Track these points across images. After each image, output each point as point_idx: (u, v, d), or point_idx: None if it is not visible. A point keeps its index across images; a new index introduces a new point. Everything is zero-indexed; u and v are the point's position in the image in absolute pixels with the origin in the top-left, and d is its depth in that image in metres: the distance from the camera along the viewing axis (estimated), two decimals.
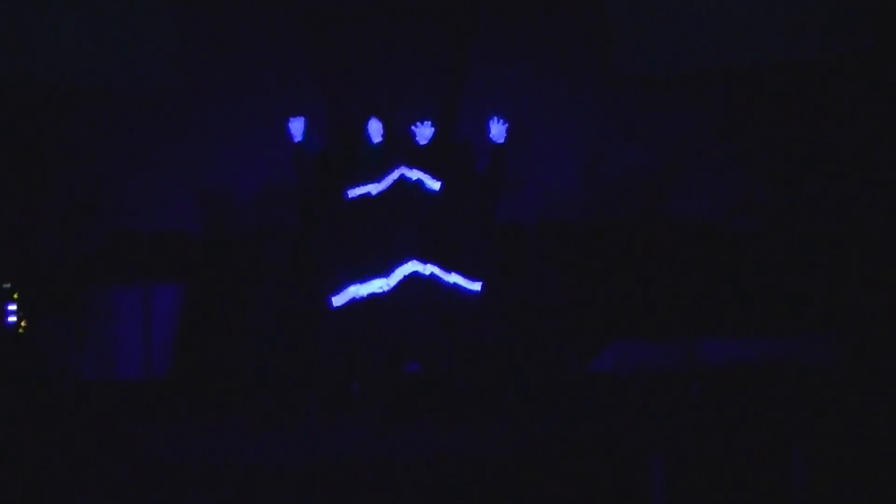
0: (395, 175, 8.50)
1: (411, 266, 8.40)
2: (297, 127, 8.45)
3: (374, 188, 8.48)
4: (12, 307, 9.29)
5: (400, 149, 8.62)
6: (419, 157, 8.59)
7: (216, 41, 10.29)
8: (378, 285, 8.35)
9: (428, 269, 8.42)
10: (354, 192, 8.46)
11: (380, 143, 8.57)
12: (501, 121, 8.55)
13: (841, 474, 6.71)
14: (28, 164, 9.92)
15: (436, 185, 8.53)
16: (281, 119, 8.59)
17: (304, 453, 7.45)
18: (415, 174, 8.53)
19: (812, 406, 8.16)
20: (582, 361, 9.36)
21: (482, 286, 8.44)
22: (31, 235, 9.76)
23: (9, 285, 9.30)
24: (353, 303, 8.32)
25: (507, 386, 8.71)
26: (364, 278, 8.34)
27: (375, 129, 8.57)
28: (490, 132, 8.55)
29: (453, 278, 8.43)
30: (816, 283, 9.60)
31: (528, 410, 8.51)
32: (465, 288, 8.43)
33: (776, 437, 7.18)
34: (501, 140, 8.53)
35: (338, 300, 8.33)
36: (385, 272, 8.37)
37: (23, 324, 9.31)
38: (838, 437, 7.20)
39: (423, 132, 8.66)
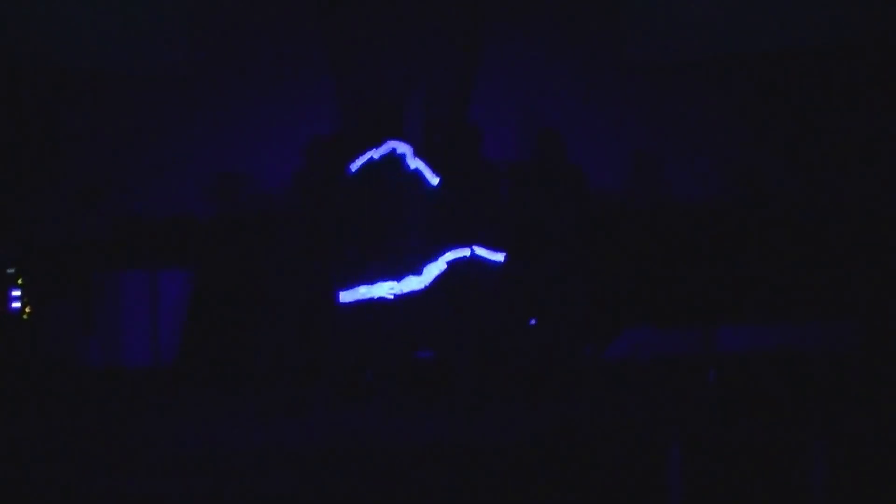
0: (390, 144, 8.52)
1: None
2: None
3: (374, 153, 8.51)
4: (16, 292, 9.26)
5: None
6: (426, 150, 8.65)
7: (226, 25, 10.35)
8: (388, 288, 8.33)
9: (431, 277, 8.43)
10: (357, 164, 8.49)
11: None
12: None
13: (860, 463, 6.62)
14: (35, 149, 9.92)
15: (434, 179, 8.55)
16: (290, 105, 8.63)
17: (316, 441, 7.43)
18: (402, 148, 8.55)
19: (830, 393, 8.14)
20: (598, 349, 9.33)
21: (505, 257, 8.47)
22: (37, 219, 9.75)
23: (13, 270, 9.25)
24: (362, 302, 8.34)
25: (521, 373, 8.68)
26: (374, 278, 8.33)
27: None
28: None
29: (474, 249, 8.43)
30: (835, 269, 9.54)
31: (543, 398, 8.48)
32: (488, 259, 8.39)
33: (794, 424, 7.21)
34: None
35: (346, 296, 8.31)
36: (395, 273, 8.37)
37: (27, 309, 9.28)
38: (857, 425, 7.19)
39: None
